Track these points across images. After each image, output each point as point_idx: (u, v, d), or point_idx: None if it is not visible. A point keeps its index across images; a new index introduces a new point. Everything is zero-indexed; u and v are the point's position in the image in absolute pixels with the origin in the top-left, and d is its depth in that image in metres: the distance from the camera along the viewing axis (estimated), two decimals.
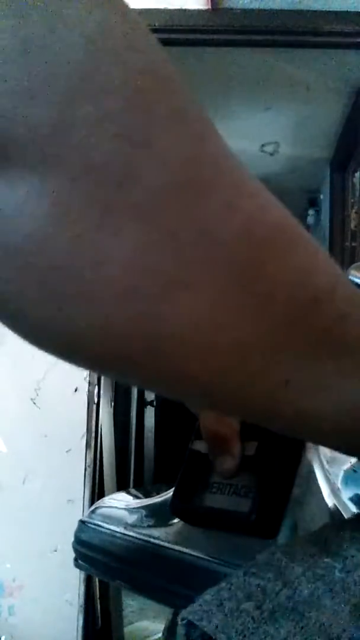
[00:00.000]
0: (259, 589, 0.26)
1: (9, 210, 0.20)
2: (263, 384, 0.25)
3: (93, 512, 0.56)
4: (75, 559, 0.55)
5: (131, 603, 2.62)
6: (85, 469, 1.98)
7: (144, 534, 0.50)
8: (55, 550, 1.93)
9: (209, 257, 0.22)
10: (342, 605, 0.24)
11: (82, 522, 0.56)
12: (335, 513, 0.39)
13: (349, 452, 0.34)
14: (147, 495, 0.59)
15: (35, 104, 0.19)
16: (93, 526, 0.54)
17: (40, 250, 0.20)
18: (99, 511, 0.56)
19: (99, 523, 0.53)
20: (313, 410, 0.27)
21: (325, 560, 0.27)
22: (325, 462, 0.46)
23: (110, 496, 0.61)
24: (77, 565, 0.55)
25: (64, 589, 1.93)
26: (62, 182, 0.20)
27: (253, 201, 0.24)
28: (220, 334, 0.23)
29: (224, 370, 0.24)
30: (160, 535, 0.49)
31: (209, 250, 0.22)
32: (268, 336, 0.24)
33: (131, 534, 0.51)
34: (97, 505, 0.58)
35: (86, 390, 2.00)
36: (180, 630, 0.25)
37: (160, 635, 1.88)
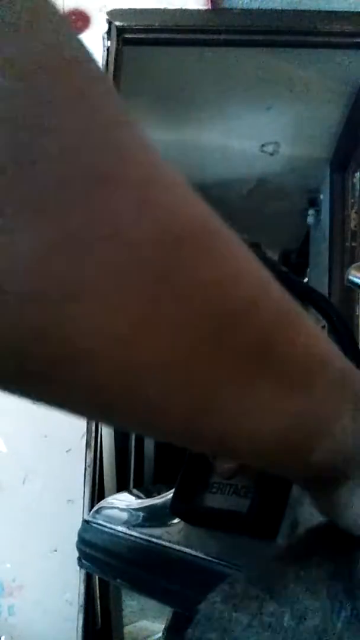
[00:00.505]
0: None
1: None
2: (179, 407, 0.23)
3: (97, 512, 0.57)
4: (79, 558, 0.55)
5: (131, 603, 2.61)
6: (85, 469, 1.97)
7: (145, 534, 0.50)
8: (55, 551, 1.93)
9: (116, 261, 0.19)
10: None
11: (85, 521, 0.56)
12: None
13: (274, 472, 0.32)
14: (148, 495, 0.59)
15: None
16: (96, 526, 0.54)
17: None
18: (102, 511, 0.56)
19: (102, 523, 0.54)
20: (238, 434, 0.25)
21: (272, 606, 0.25)
22: None
23: (113, 496, 0.61)
24: (80, 565, 0.55)
25: (64, 589, 1.93)
26: None
27: (168, 197, 0.22)
28: (130, 349, 0.20)
29: (133, 389, 0.21)
30: (161, 535, 0.49)
31: (115, 252, 0.19)
32: (182, 352, 0.21)
33: (133, 533, 0.51)
34: (101, 505, 0.58)
35: None
36: None
37: (160, 635, 1.88)
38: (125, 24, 2.09)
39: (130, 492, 0.63)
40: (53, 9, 0.19)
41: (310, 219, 3.87)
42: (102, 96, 0.20)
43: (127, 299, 0.20)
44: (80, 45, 0.20)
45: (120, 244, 0.19)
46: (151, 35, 2.14)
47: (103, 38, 2.09)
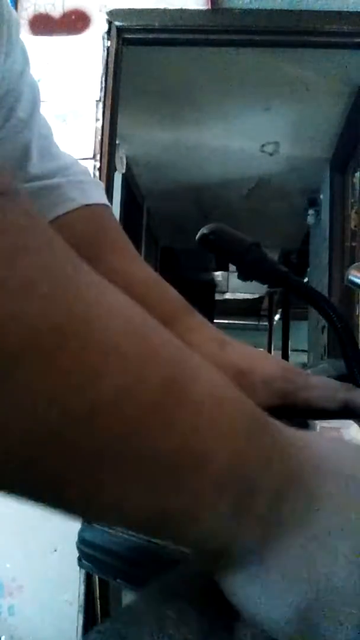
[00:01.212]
0: None
1: None
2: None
3: None
4: (79, 558, 0.55)
5: None
6: None
7: None
8: (55, 550, 1.93)
9: None
10: None
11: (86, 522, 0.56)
12: None
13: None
14: None
15: None
16: (97, 526, 0.54)
17: None
18: None
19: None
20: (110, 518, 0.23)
21: None
22: None
23: None
24: (81, 565, 0.55)
25: (64, 589, 1.93)
26: None
27: None
28: None
29: None
30: None
31: None
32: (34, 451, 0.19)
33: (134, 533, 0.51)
34: None
35: None
36: None
37: None
38: (125, 24, 2.09)
39: None
40: None
41: (310, 219, 3.88)
42: None
43: None
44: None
45: None
46: (151, 35, 2.14)
47: (103, 38, 2.09)
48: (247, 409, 0.25)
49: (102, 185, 0.67)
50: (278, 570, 0.24)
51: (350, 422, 0.44)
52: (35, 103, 0.59)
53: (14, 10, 0.55)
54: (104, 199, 0.63)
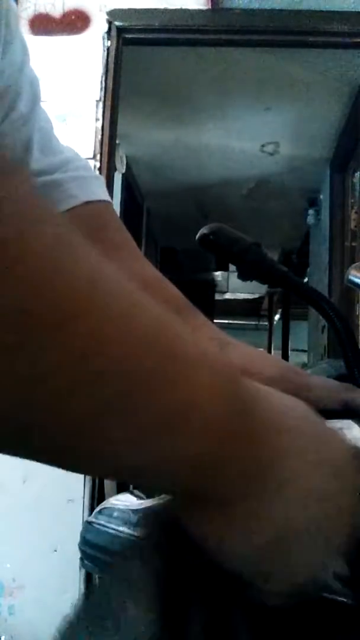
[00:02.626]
0: None
1: None
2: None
3: (99, 512, 0.57)
4: (81, 559, 0.55)
5: None
6: None
7: None
8: (55, 550, 1.93)
9: None
10: None
11: (87, 522, 0.56)
12: None
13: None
14: (149, 496, 0.59)
15: None
16: (98, 526, 0.54)
17: None
18: (104, 512, 0.56)
19: (104, 523, 0.54)
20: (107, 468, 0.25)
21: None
22: None
23: (114, 497, 0.61)
24: (83, 565, 0.55)
25: (64, 589, 1.93)
26: None
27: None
28: None
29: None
30: None
31: None
32: (39, 397, 0.20)
33: (135, 534, 0.51)
34: (103, 506, 0.58)
35: None
36: None
37: None
38: (125, 24, 2.09)
39: (132, 493, 0.63)
40: None
41: (310, 219, 3.88)
42: None
43: None
44: None
45: None
46: (151, 35, 2.14)
47: (103, 38, 2.09)
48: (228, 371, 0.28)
49: (103, 179, 0.67)
50: (246, 514, 0.28)
51: (351, 422, 0.44)
52: (35, 97, 0.58)
53: (13, 3, 0.55)
54: (105, 195, 0.63)
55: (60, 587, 1.93)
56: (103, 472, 0.26)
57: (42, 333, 0.19)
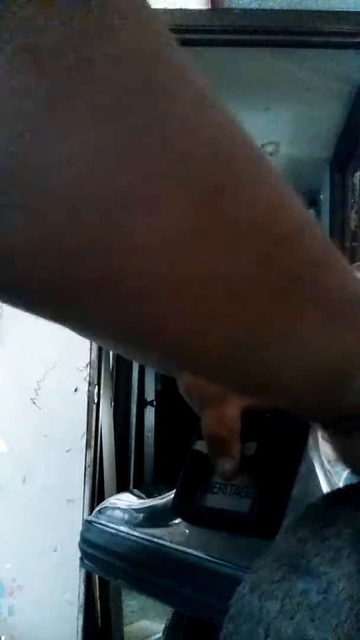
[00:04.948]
0: None
1: None
2: (224, 329, 0.22)
3: (99, 512, 0.57)
4: (81, 558, 0.55)
5: (131, 603, 2.61)
6: (85, 469, 1.98)
7: (147, 534, 0.50)
8: (55, 550, 1.93)
9: (173, 172, 0.19)
10: (327, 632, 0.23)
11: (87, 522, 0.56)
12: None
13: (301, 413, 0.32)
14: (149, 495, 0.59)
15: None
16: (98, 526, 0.54)
17: None
18: (104, 511, 0.56)
19: (104, 523, 0.54)
20: (276, 362, 0.25)
21: (298, 586, 0.25)
22: (326, 462, 0.46)
23: (114, 496, 0.62)
24: (83, 565, 0.55)
25: (64, 589, 1.93)
26: None
27: (218, 116, 0.21)
28: (176, 261, 0.20)
29: (183, 304, 0.21)
30: (162, 535, 0.50)
31: (172, 163, 0.19)
32: (232, 271, 0.21)
33: (135, 533, 0.51)
34: (103, 506, 0.58)
35: (86, 390, 2.00)
36: None
37: (160, 635, 1.88)
38: None
39: (132, 493, 0.63)
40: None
41: None
42: (154, 15, 0.21)
43: (177, 208, 0.19)
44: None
45: (174, 154, 0.19)
46: None
47: None
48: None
49: None
50: None
51: None
52: None
53: None
54: None
55: (60, 587, 1.94)
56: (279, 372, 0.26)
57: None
